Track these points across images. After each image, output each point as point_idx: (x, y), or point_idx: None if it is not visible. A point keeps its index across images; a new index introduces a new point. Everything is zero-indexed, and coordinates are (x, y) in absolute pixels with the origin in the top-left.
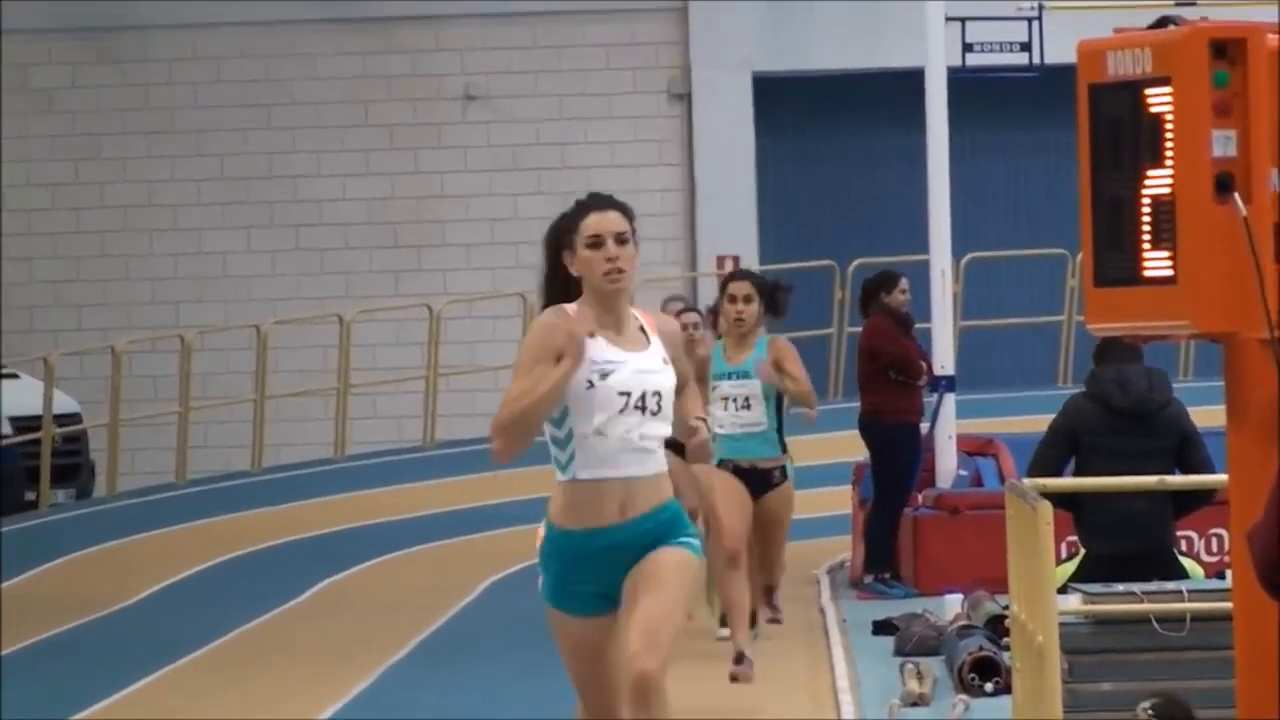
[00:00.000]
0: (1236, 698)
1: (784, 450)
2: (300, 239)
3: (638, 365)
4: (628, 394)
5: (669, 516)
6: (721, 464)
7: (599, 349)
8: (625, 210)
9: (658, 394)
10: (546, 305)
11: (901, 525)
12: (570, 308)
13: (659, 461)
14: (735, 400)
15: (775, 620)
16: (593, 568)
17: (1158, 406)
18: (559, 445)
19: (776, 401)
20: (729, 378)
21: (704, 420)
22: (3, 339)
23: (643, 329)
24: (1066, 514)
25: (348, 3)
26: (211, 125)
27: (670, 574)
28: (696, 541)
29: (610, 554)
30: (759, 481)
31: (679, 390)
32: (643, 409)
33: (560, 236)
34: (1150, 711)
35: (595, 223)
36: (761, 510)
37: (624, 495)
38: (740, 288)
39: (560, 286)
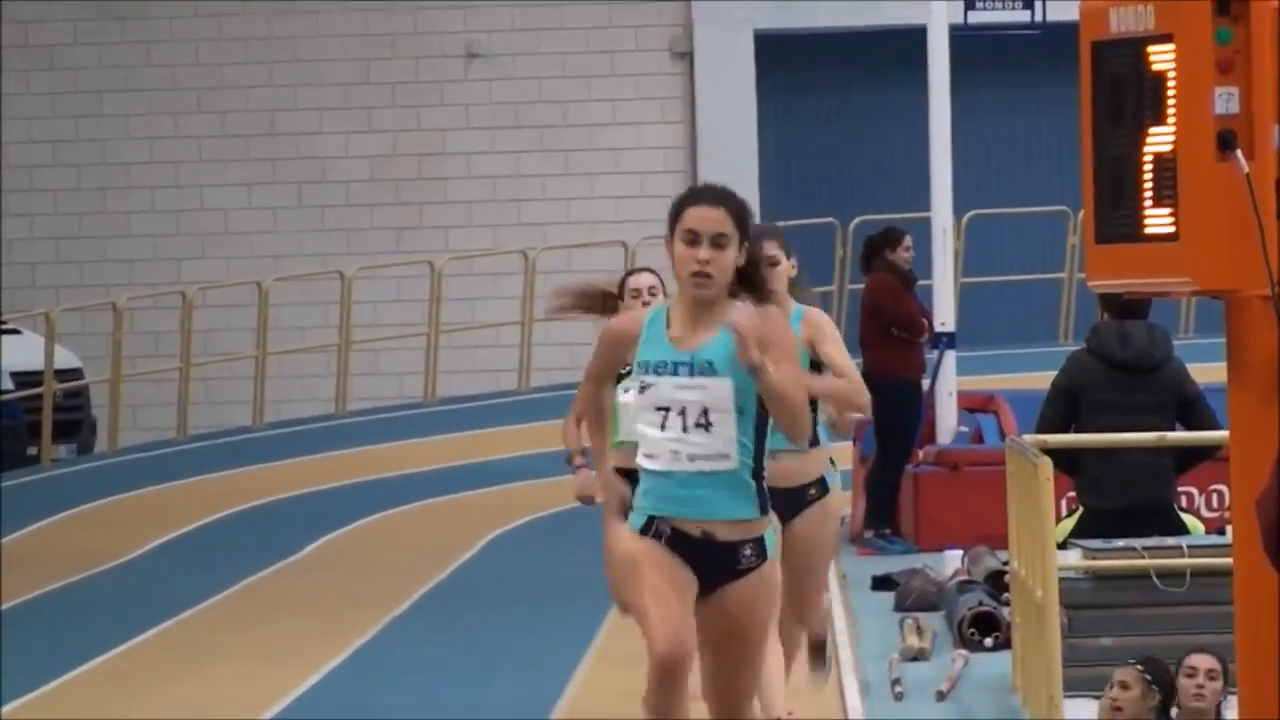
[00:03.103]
0: (1236, 653)
1: (763, 512)
2: (302, 196)
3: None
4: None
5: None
6: (651, 526)
7: None
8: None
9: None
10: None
11: (902, 481)
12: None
13: None
14: (685, 412)
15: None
16: None
17: (1157, 362)
18: None
19: (758, 410)
20: (673, 371)
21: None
22: (4, 294)
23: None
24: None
25: None
26: (213, 82)
27: None
28: None
29: None
30: (725, 558)
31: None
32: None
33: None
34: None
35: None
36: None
37: None
38: (709, 218)
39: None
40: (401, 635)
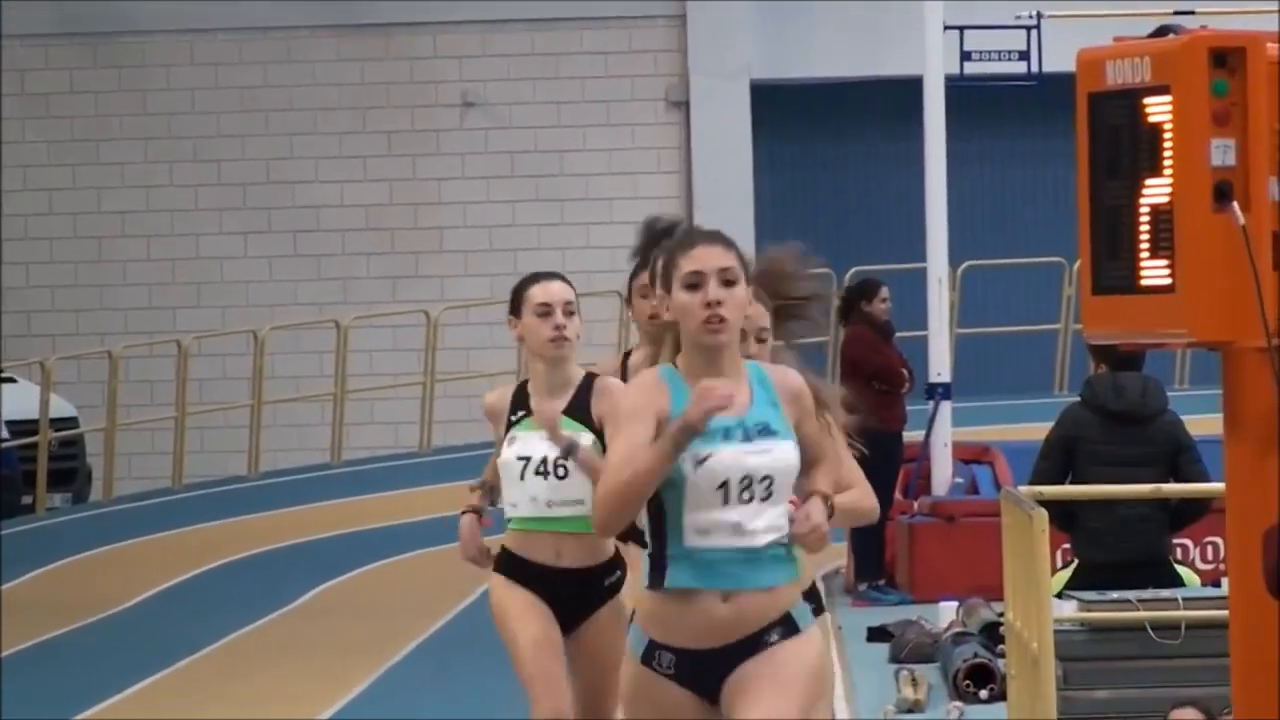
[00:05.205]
0: (1232, 705)
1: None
2: (298, 244)
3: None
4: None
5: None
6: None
7: None
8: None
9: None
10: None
11: (898, 532)
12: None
13: None
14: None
15: None
16: None
17: (1151, 413)
18: None
19: None
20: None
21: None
22: (1, 342)
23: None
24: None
25: (346, 5)
26: (209, 131)
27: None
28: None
29: None
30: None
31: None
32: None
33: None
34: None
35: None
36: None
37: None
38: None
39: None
40: (399, 682)
